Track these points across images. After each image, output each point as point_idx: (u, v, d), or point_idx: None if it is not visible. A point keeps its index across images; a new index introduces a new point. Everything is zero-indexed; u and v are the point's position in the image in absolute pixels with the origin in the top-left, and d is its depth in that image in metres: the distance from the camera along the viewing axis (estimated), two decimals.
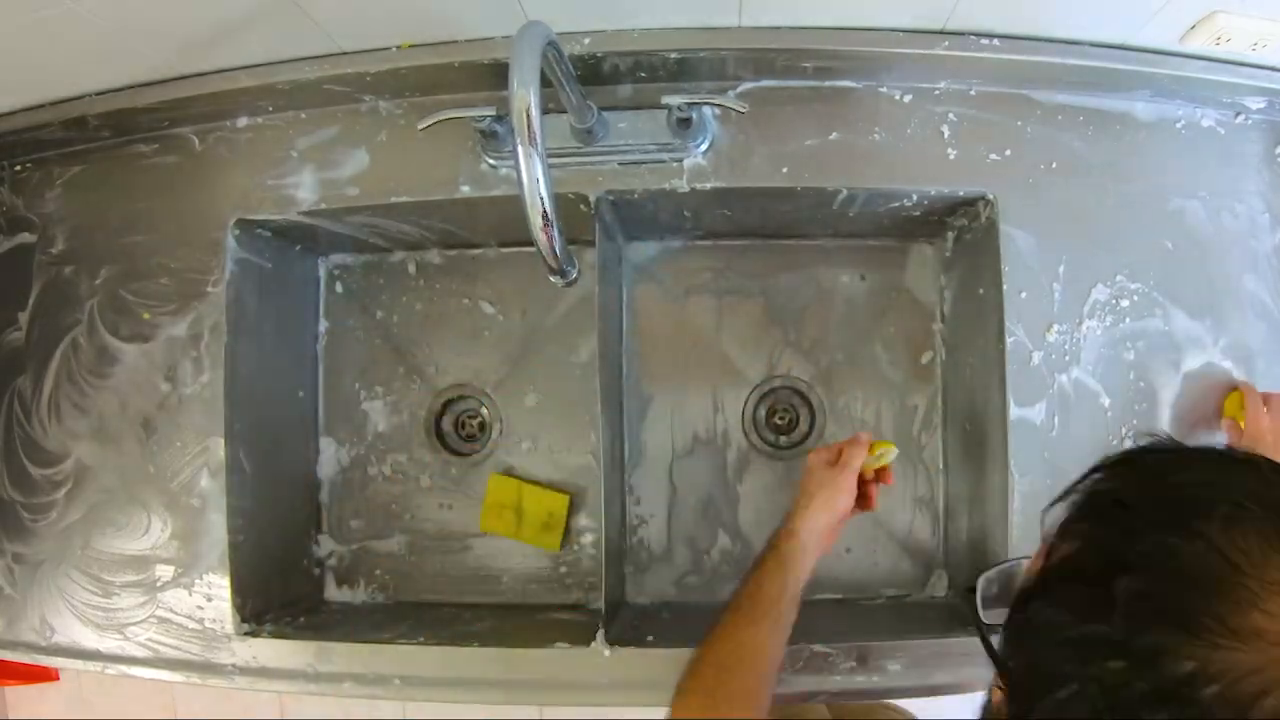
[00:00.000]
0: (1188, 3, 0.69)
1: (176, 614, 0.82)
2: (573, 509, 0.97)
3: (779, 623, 0.66)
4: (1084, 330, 0.77)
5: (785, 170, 0.78)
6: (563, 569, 0.96)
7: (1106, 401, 0.77)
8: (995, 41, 0.74)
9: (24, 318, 0.87)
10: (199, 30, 0.74)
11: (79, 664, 0.83)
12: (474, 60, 0.77)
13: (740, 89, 0.79)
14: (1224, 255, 0.78)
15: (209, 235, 0.83)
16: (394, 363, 1.00)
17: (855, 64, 0.77)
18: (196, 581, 0.82)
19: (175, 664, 0.82)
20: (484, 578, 0.97)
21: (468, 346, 0.99)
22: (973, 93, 0.78)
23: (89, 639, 0.83)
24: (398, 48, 0.78)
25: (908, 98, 0.79)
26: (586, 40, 0.75)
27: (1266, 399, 0.73)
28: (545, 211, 0.58)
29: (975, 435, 0.84)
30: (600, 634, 0.76)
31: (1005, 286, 0.76)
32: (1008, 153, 0.78)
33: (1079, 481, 0.41)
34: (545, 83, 0.59)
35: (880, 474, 0.75)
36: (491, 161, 0.80)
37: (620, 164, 0.79)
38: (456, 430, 1.01)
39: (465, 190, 0.81)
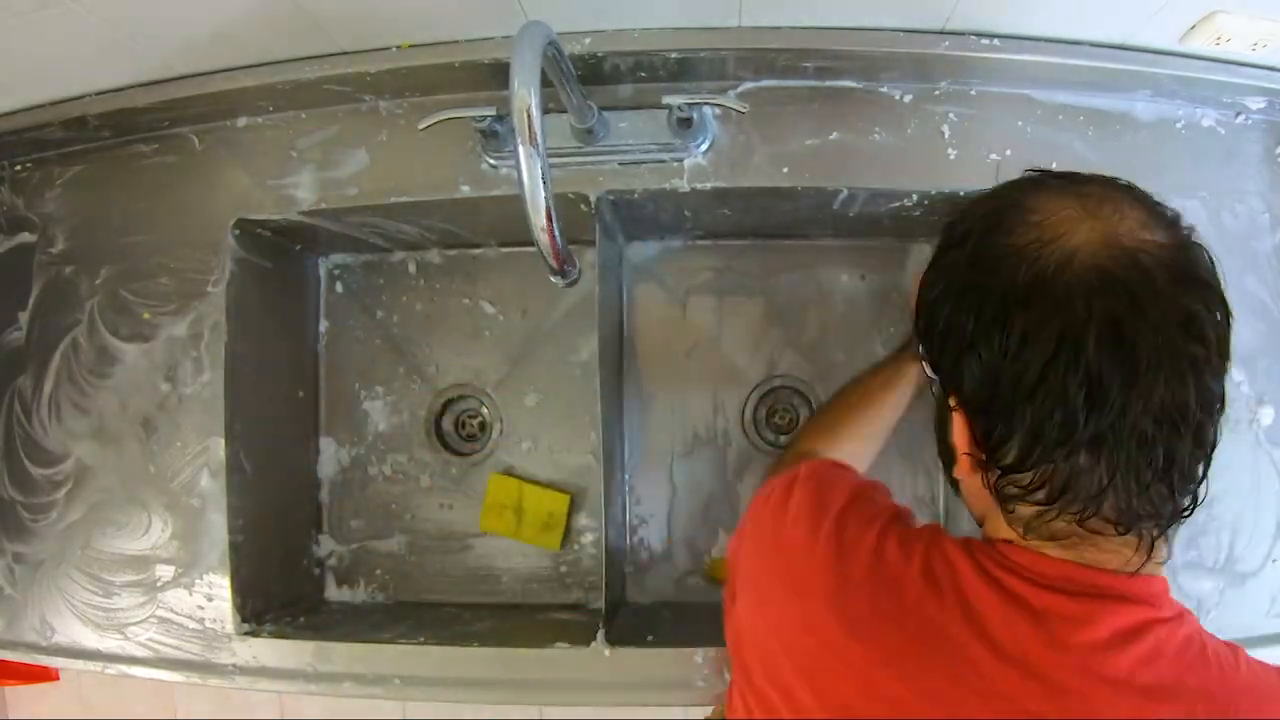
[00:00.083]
0: (1188, 3, 0.69)
1: (177, 614, 0.82)
2: (573, 509, 0.97)
3: (886, 398, 0.80)
4: None
5: (785, 170, 0.78)
6: (563, 569, 0.97)
7: None
8: (995, 41, 0.74)
9: (24, 318, 0.87)
10: (199, 30, 0.74)
11: (79, 664, 0.83)
12: (474, 60, 0.77)
13: (740, 89, 0.79)
14: (1224, 255, 0.76)
15: (209, 235, 0.83)
16: (394, 363, 1.00)
17: (855, 64, 0.77)
18: (197, 581, 0.82)
19: (175, 664, 0.82)
20: (484, 577, 0.97)
21: (468, 346, 0.99)
22: (973, 93, 0.78)
23: (89, 639, 0.83)
24: (398, 48, 0.78)
25: (908, 98, 0.79)
26: (587, 40, 0.75)
27: None
28: (546, 211, 0.58)
29: None
30: (600, 634, 0.76)
31: None
32: (1008, 153, 0.78)
33: None
34: (546, 82, 0.59)
35: None
36: (492, 161, 0.80)
37: (620, 164, 0.79)
38: (457, 430, 1.01)
39: (465, 190, 0.81)
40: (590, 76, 0.79)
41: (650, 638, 0.79)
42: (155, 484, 0.83)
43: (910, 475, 0.94)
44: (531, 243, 0.60)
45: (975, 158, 0.78)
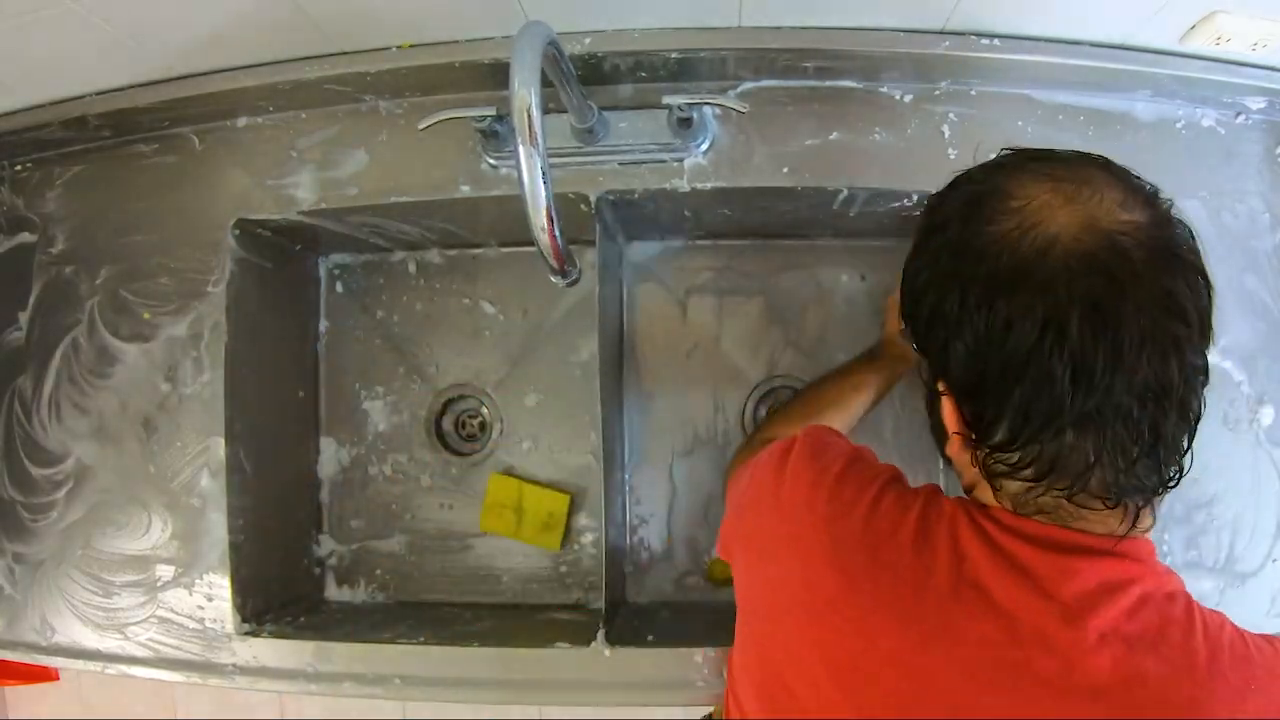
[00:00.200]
0: (1188, 3, 0.69)
1: (177, 614, 0.82)
2: (573, 509, 0.97)
3: (856, 399, 0.82)
4: None
5: (786, 170, 0.78)
6: (563, 569, 0.97)
7: None
8: (995, 41, 0.74)
9: (24, 318, 0.87)
10: (199, 30, 0.74)
11: (79, 664, 0.83)
12: (474, 60, 0.77)
13: (741, 89, 0.79)
14: (1224, 255, 0.78)
15: (209, 235, 0.83)
16: (394, 363, 1.00)
17: (855, 64, 0.77)
18: (197, 581, 0.82)
19: (175, 664, 0.82)
20: (484, 577, 0.97)
21: (468, 346, 0.99)
22: (973, 93, 0.78)
23: (89, 639, 0.83)
24: (398, 48, 0.78)
25: (908, 98, 0.79)
26: (587, 40, 0.75)
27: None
28: (546, 211, 0.58)
29: None
30: (600, 634, 0.76)
31: None
32: (1008, 153, 0.77)
33: None
34: (546, 82, 0.59)
35: None
36: (492, 161, 0.80)
37: (621, 164, 0.79)
38: (457, 430, 1.01)
39: (465, 190, 0.81)
40: (590, 76, 0.79)
41: (650, 638, 0.79)
42: (155, 484, 0.83)
43: (910, 475, 0.93)
44: (531, 243, 0.60)
45: (975, 158, 0.77)
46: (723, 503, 0.94)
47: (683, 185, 0.79)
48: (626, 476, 0.95)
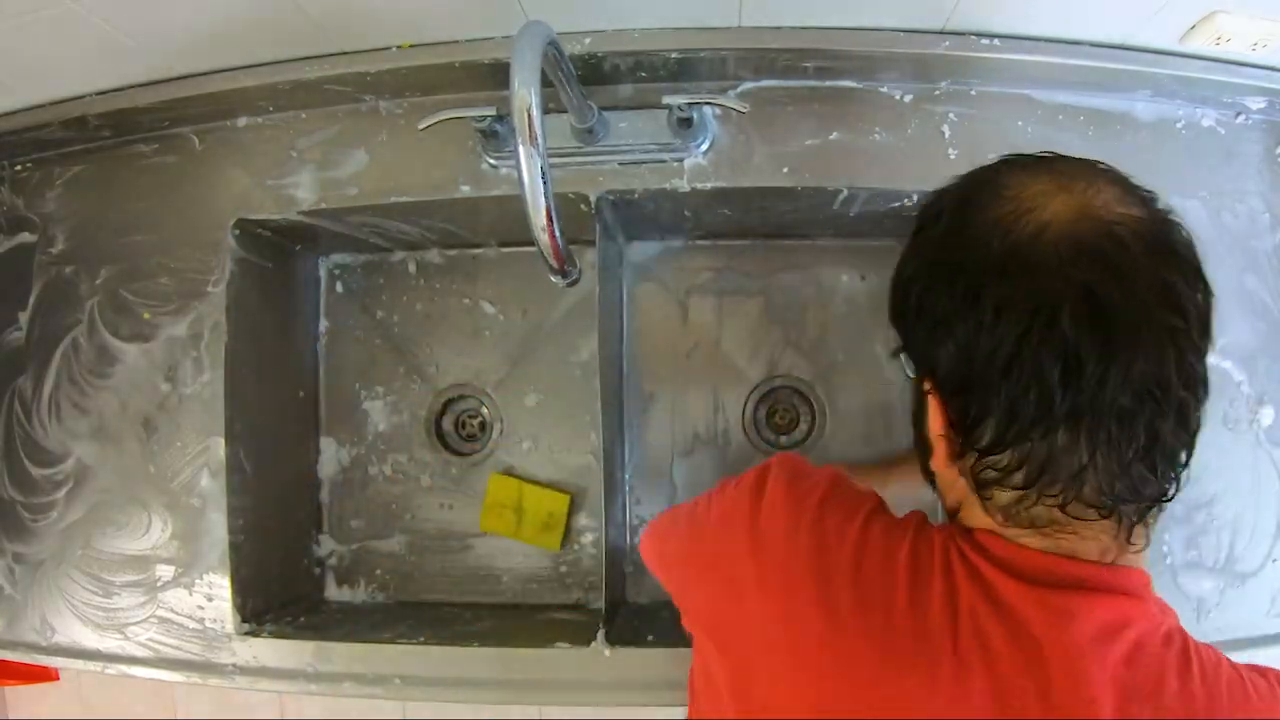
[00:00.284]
0: (1188, 3, 0.69)
1: (177, 614, 0.82)
2: (573, 509, 0.97)
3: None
4: None
5: (786, 170, 0.78)
6: (563, 569, 0.97)
7: None
8: (995, 41, 0.74)
9: (24, 318, 0.87)
10: (199, 30, 0.74)
11: (79, 664, 0.83)
12: (474, 60, 0.77)
13: (740, 89, 0.79)
14: (1224, 255, 0.78)
15: (209, 235, 0.83)
16: (394, 363, 1.00)
17: (855, 64, 0.77)
18: (197, 581, 0.82)
19: (175, 664, 0.82)
20: (484, 578, 0.97)
21: (468, 346, 0.99)
22: (973, 93, 0.78)
23: (89, 639, 0.83)
24: (398, 48, 0.78)
25: (908, 98, 0.79)
26: (587, 40, 0.75)
27: None
28: (546, 211, 0.58)
29: None
30: (600, 634, 0.76)
31: None
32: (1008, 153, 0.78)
33: None
34: (546, 82, 0.59)
35: None
36: (492, 161, 0.80)
37: (621, 164, 0.79)
38: (457, 430, 1.01)
39: (465, 190, 0.81)
40: (590, 76, 0.79)
41: (650, 638, 0.79)
42: (155, 484, 0.83)
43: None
44: (531, 243, 0.60)
45: (976, 158, 0.77)
46: None
47: (683, 185, 0.79)
48: (626, 476, 0.95)
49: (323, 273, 1.00)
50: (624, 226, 0.92)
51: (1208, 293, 0.43)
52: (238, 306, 0.83)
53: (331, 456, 0.99)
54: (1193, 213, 0.78)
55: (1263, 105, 0.78)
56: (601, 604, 0.79)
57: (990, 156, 0.77)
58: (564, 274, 0.64)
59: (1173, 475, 0.43)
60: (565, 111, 0.75)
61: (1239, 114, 0.79)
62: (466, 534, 0.98)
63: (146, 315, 0.84)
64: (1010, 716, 0.43)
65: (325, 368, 1.00)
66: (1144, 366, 0.40)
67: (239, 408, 0.83)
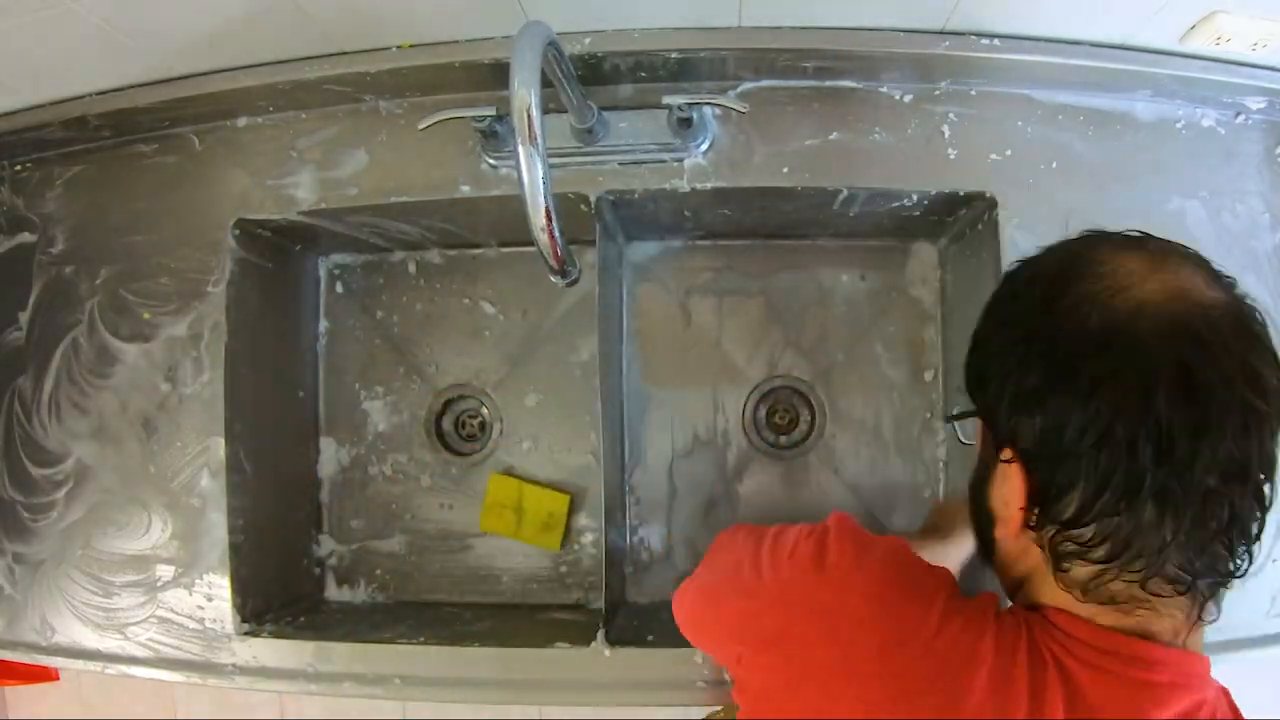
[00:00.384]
0: (1188, 3, 0.69)
1: (177, 614, 0.82)
2: (573, 509, 0.97)
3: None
4: None
5: (785, 170, 0.78)
6: (563, 569, 0.97)
7: None
8: (995, 41, 0.74)
9: (24, 318, 0.87)
10: (199, 30, 0.74)
11: (79, 664, 0.83)
12: (474, 60, 0.77)
13: (740, 89, 0.79)
14: (1224, 255, 0.77)
15: (209, 235, 0.83)
16: (394, 363, 1.00)
17: (855, 64, 0.77)
18: (196, 581, 0.82)
19: (175, 664, 0.82)
20: (484, 578, 0.97)
21: (468, 346, 0.99)
22: (973, 93, 0.78)
23: (89, 639, 0.83)
24: (398, 48, 0.78)
25: (908, 98, 0.79)
26: (587, 40, 0.75)
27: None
28: (546, 211, 0.58)
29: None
30: (600, 634, 0.76)
31: None
32: (1008, 153, 0.78)
33: None
34: (545, 83, 0.59)
35: None
36: (491, 161, 0.80)
37: (620, 164, 0.79)
38: (457, 430, 1.01)
39: (465, 190, 0.81)
40: (590, 76, 0.79)
41: (650, 638, 0.79)
42: (155, 484, 0.83)
43: (910, 472, 0.94)
44: (531, 243, 0.60)
45: (975, 157, 0.78)
46: (723, 503, 0.96)
47: (683, 185, 0.79)
48: (626, 476, 0.95)
49: (323, 273, 1.00)
50: (624, 226, 0.92)
51: None
52: (238, 306, 0.83)
53: (331, 456, 0.99)
54: (1193, 213, 0.78)
55: (1263, 105, 0.78)
56: (601, 604, 0.79)
57: (992, 157, 0.78)
58: (564, 274, 0.64)
59: (1247, 552, 0.44)
60: (565, 111, 0.75)
61: (1239, 114, 0.79)
62: (466, 534, 0.98)
63: (146, 315, 0.84)
64: None
65: (325, 368, 1.00)
66: (1230, 447, 0.41)
67: (239, 408, 0.83)
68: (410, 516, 0.99)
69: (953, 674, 0.46)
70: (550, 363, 0.98)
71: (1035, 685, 0.45)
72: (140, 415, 0.84)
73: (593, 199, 0.79)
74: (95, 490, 0.84)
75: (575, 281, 0.67)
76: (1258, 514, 0.43)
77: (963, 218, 0.84)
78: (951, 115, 0.78)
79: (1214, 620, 0.47)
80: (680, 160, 0.79)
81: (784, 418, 0.96)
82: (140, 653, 0.82)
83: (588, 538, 0.96)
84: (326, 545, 0.98)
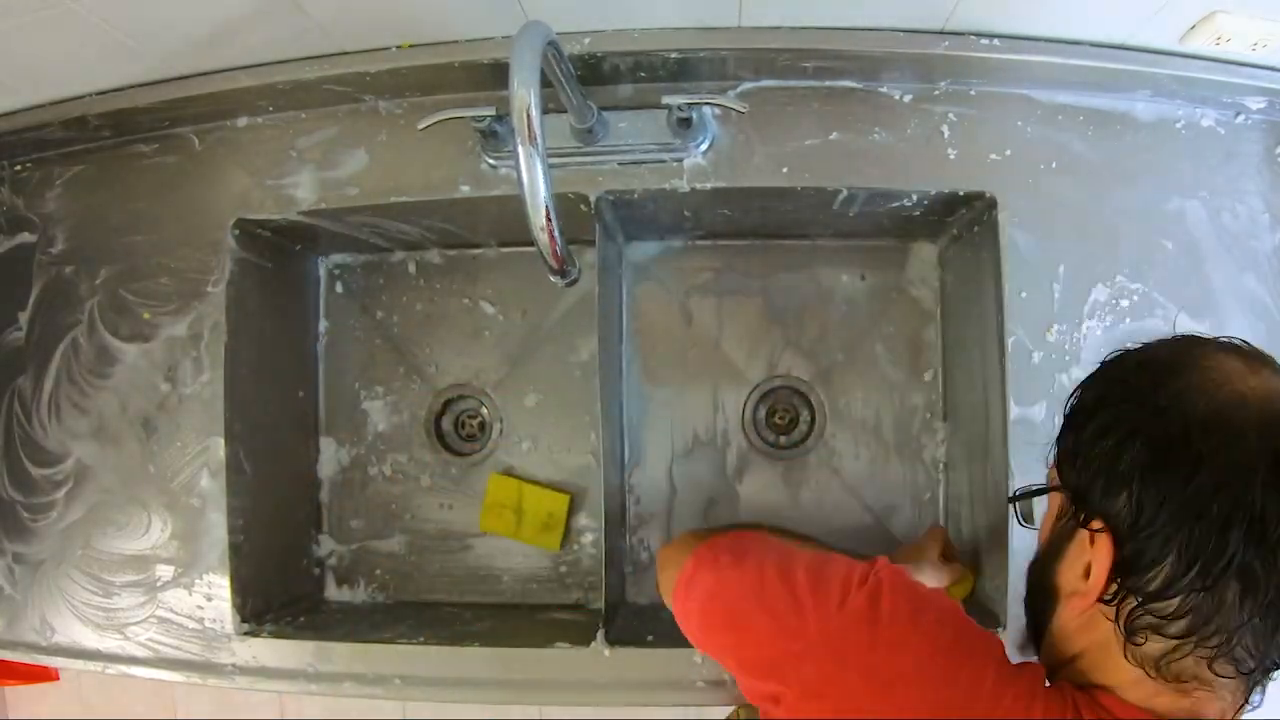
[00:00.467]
0: (1188, 3, 0.69)
1: (176, 614, 0.82)
2: (573, 509, 0.97)
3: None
4: (1084, 330, 0.77)
5: (785, 170, 0.78)
6: (563, 569, 0.97)
7: None
8: (995, 41, 0.74)
9: (24, 318, 0.87)
10: (199, 30, 0.74)
11: (79, 664, 0.83)
12: (474, 60, 0.77)
13: (740, 89, 0.79)
14: (1224, 255, 0.78)
15: (209, 235, 0.83)
16: (394, 363, 1.00)
17: (855, 64, 0.77)
18: (196, 581, 0.82)
19: (175, 664, 0.82)
20: (484, 578, 0.97)
21: (468, 346, 0.99)
22: (973, 93, 0.78)
23: (89, 639, 0.83)
24: (398, 48, 0.78)
25: (908, 98, 0.79)
26: (586, 40, 0.75)
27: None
28: (546, 211, 0.58)
29: (975, 435, 0.84)
30: (600, 634, 0.76)
31: (1005, 286, 0.76)
32: (1008, 153, 0.78)
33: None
34: (545, 83, 0.59)
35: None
36: (491, 161, 0.80)
37: (620, 164, 0.79)
38: (456, 430, 1.01)
39: (465, 190, 0.81)
40: (590, 76, 0.79)
41: (650, 638, 0.79)
42: (155, 484, 0.83)
43: (910, 473, 0.94)
44: (531, 243, 0.60)
45: (975, 157, 0.78)
46: (723, 503, 0.95)
47: (682, 185, 0.79)
48: (626, 476, 0.95)
49: (323, 273, 1.00)
50: (624, 226, 0.92)
51: None
52: (238, 306, 0.83)
53: (331, 456, 0.99)
54: (1192, 213, 0.78)
55: (1262, 105, 0.78)
56: (601, 604, 0.79)
57: (992, 157, 0.78)
58: (564, 274, 0.64)
59: None
60: (565, 111, 0.75)
61: (1239, 114, 0.79)
62: (466, 534, 0.98)
63: (146, 315, 0.84)
64: None
65: (325, 368, 1.00)
66: None
67: (239, 408, 0.83)
68: (410, 516, 0.99)
69: None
70: (550, 363, 0.98)
71: None
72: (140, 415, 0.84)
73: (592, 199, 0.79)
74: (95, 490, 0.84)
75: (575, 281, 0.67)
76: None
77: (963, 218, 0.84)
78: (951, 115, 0.78)
79: (1256, 708, 0.49)
80: (680, 160, 0.79)
81: (784, 418, 0.96)
82: (140, 653, 0.82)
83: (587, 538, 0.96)
84: (326, 545, 0.98)
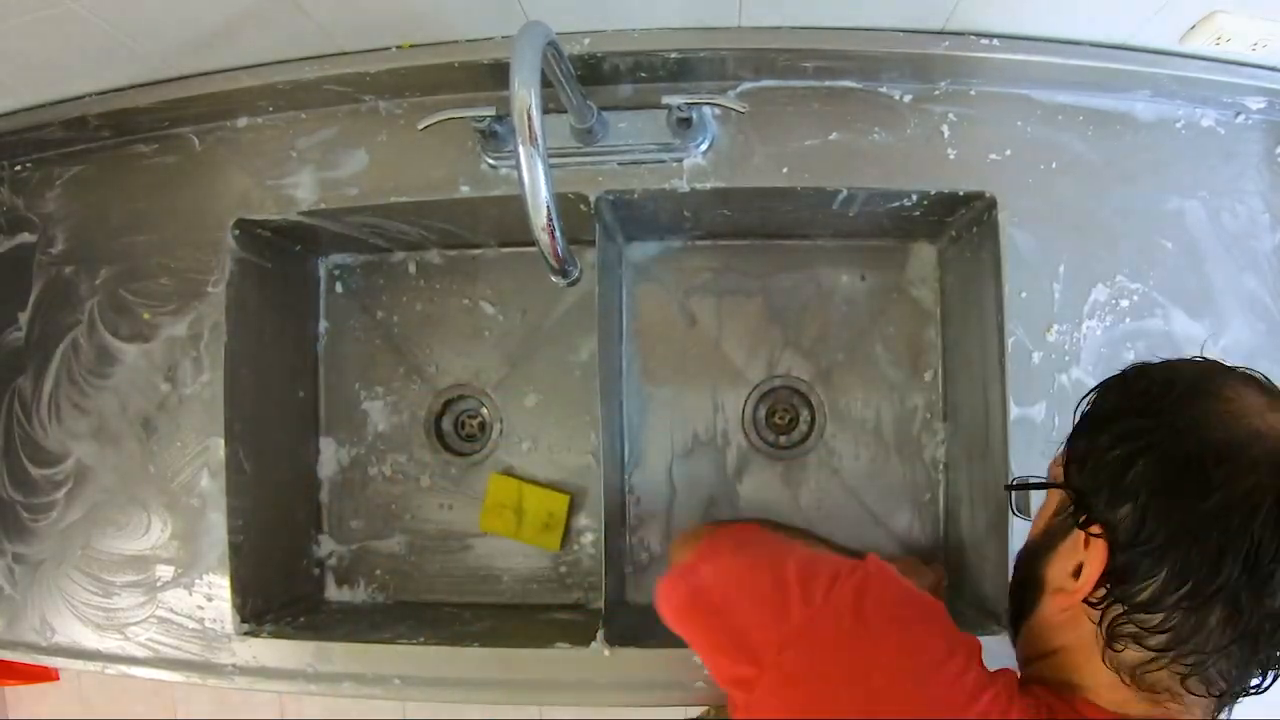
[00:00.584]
0: (1188, 3, 0.69)
1: (176, 614, 0.82)
2: (573, 509, 0.97)
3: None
4: (1084, 330, 0.77)
5: (785, 170, 0.78)
6: (563, 569, 0.96)
7: None
8: (995, 41, 0.74)
9: (24, 318, 0.87)
10: (199, 30, 0.74)
11: (79, 664, 0.83)
12: (474, 60, 0.77)
13: (740, 89, 0.79)
14: (1224, 255, 0.78)
15: (209, 235, 0.83)
16: (394, 363, 1.00)
17: (855, 64, 0.77)
18: (196, 581, 0.82)
19: (175, 664, 0.82)
20: (484, 578, 0.97)
21: (468, 346, 0.99)
22: (973, 93, 0.78)
23: (89, 639, 0.83)
24: (398, 48, 0.78)
25: (908, 98, 0.79)
26: (586, 40, 0.75)
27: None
28: (546, 211, 0.58)
29: (975, 435, 0.84)
30: (600, 634, 0.76)
31: (1005, 286, 0.76)
32: (1008, 153, 0.78)
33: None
34: (545, 83, 0.59)
35: None
36: (491, 161, 0.80)
37: (620, 164, 0.79)
38: (456, 430, 1.01)
39: (465, 190, 0.81)
40: (590, 76, 0.79)
41: (650, 638, 0.79)
42: (155, 484, 0.83)
43: (910, 473, 0.94)
44: (531, 243, 0.60)
45: (975, 157, 0.78)
46: (723, 503, 0.95)
47: (682, 185, 0.79)
48: (626, 476, 0.95)
49: (323, 273, 1.00)
50: (624, 226, 0.92)
51: None
52: (238, 306, 0.83)
53: (331, 456, 0.99)
54: (1192, 213, 0.78)
55: (1262, 105, 0.78)
56: (601, 604, 0.79)
57: (992, 157, 0.78)
58: (564, 274, 0.64)
59: (1275, 675, 0.47)
60: (565, 111, 0.75)
61: (1239, 114, 0.79)
62: (466, 534, 0.98)
63: (146, 315, 0.84)
64: None
65: (325, 368, 1.00)
66: None
67: (239, 408, 0.83)
68: (410, 517, 0.99)
69: None
70: (550, 363, 0.98)
71: None
72: (140, 415, 0.84)
73: (592, 199, 0.79)
74: (95, 490, 0.84)
75: (576, 281, 0.67)
76: None
77: (962, 218, 0.84)
78: (951, 115, 0.78)
79: None
80: (680, 160, 0.79)
81: (784, 418, 0.96)
82: (140, 653, 0.82)
83: (587, 538, 0.96)
84: (326, 545, 0.98)
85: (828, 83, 0.79)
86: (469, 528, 0.98)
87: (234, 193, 0.83)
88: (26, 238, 0.88)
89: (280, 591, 0.89)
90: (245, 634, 0.80)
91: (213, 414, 0.82)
